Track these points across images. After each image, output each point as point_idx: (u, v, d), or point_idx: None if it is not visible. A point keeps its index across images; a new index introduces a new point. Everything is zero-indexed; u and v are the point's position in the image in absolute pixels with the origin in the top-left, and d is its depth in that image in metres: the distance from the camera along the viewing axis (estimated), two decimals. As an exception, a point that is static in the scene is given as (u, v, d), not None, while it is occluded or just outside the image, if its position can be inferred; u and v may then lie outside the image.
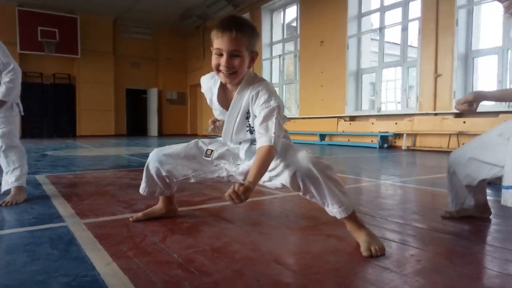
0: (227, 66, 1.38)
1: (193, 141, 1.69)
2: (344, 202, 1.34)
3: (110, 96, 14.17)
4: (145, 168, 1.72)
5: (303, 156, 1.32)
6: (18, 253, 1.33)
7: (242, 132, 1.54)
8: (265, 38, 11.53)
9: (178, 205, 1.91)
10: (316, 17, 9.47)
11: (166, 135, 15.14)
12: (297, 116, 10.12)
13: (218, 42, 1.37)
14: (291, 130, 9.85)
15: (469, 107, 1.63)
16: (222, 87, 1.55)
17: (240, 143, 1.60)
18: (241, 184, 1.20)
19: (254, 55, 1.45)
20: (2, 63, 2.24)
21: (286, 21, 11.65)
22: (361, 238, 1.36)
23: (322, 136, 9.20)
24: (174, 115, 15.67)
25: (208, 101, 1.67)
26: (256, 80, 1.49)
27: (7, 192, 2.27)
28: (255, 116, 1.44)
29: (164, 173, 1.66)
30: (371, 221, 1.77)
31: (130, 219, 1.77)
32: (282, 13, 11.44)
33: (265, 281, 1.10)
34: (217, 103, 1.57)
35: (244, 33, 1.37)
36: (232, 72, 1.40)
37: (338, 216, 1.35)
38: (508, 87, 5.77)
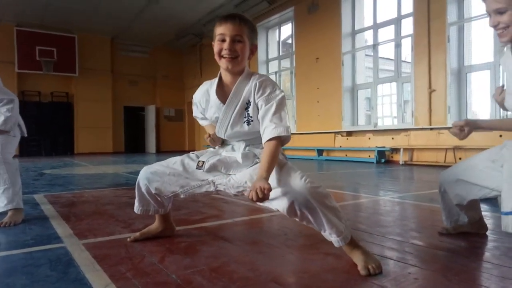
0: (230, 49, 1.43)
1: (179, 157, 1.67)
2: (343, 231, 1.34)
3: (108, 114, 14.24)
4: (136, 187, 1.71)
5: (301, 185, 1.29)
6: (17, 275, 1.33)
7: (239, 123, 1.52)
8: (261, 55, 11.69)
9: (175, 223, 1.92)
10: (311, 35, 9.63)
11: (164, 151, 15.14)
12: (295, 132, 10.17)
13: (221, 28, 1.44)
14: (289, 145, 9.88)
15: (459, 131, 1.66)
16: (220, 85, 1.57)
17: (233, 148, 1.59)
18: (260, 186, 1.20)
19: (254, 48, 1.52)
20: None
21: (282, 39, 11.82)
22: (357, 257, 1.36)
23: (320, 152, 9.23)
24: (172, 132, 15.73)
25: (198, 110, 1.67)
26: (254, 73, 1.55)
27: (3, 213, 2.26)
28: (257, 106, 1.47)
29: (153, 191, 1.65)
30: (369, 239, 1.78)
31: (128, 239, 1.77)
32: (277, 31, 11.64)
33: (264, 302, 1.11)
34: (215, 98, 1.55)
35: (246, 23, 1.46)
36: (235, 57, 1.45)
37: (336, 245, 1.36)
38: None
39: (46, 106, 13.14)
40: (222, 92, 1.56)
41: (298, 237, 1.87)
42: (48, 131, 13.14)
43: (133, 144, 15.80)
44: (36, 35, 12.56)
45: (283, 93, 1.45)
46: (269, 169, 1.30)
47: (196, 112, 1.72)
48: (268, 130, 1.38)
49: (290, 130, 1.39)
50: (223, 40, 1.44)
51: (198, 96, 1.66)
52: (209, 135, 1.64)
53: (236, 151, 1.57)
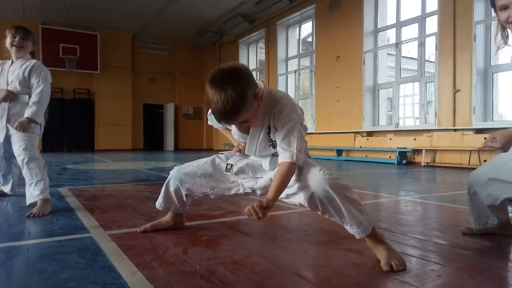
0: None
1: (210, 159, 1.73)
2: (363, 222, 1.35)
3: (128, 111, 14.48)
4: (164, 185, 1.79)
5: (320, 177, 1.32)
6: (49, 261, 1.38)
7: (265, 148, 1.56)
8: (280, 53, 11.68)
9: (196, 218, 1.98)
10: (332, 33, 9.55)
11: (182, 149, 15.31)
12: (314, 131, 10.12)
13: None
14: (308, 145, 9.84)
15: (491, 143, 1.62)
16: None
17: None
18: (261, 202, 1.24)
19: (258, 95, 1.40)
20: (36, 82, 2.42)
21: (302, 37, 11.77)
22: (380, 253, 1.37)
23: (339, 152, 9.16)
24: (190, 130, 15.87)
25: (219, 128, 1.71)
26: (274, 98, 1.47)
27: (33, 204, 2.36)
28: (276, 130, 1.47)
29: (184, 191, 1.72)
30: (390, 237, 1.77)
31: (138, 230, 1.83)
32: (297, 29, 11.59)
33: (286, 293, 1.12)
34: (235, 130, 1.59)
35: (239, 109, 1.33)
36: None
37: (357, 236, 1.37)
38: None
39: (68, 102, 13.44)
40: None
41: (318, 233, 1.88)
42: (70, 127, 13.46)
43: (151, 142, 16.00)
44: (60, 33, 12.86)
45: (298, 116, 1.43)
46: (277, 192, 1.34)
47: (212, 122, 1.73)
48: (279, 154, 1.42)
49: (299, 154, 1.39)
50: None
51: (215, 123, 1.69)
52: (239, 150, 1.69)
53: (263, 160, 1.61)
